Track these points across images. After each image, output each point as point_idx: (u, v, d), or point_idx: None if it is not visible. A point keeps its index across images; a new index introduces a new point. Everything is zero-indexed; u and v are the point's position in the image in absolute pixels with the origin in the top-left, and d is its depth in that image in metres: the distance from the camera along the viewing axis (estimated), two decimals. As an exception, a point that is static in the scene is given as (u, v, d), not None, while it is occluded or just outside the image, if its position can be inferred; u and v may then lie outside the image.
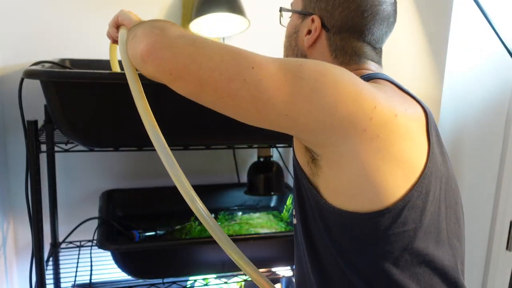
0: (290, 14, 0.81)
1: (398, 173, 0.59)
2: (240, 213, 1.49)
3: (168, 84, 0.62)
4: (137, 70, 0.70)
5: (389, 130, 0.58)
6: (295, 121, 0.58)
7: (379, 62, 0.76)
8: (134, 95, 0.69)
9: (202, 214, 0.63)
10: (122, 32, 0.77)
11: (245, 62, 0.58)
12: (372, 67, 0.73)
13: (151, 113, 0.68)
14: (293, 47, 0.77)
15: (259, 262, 1.24)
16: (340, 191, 0.60)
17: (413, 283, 0.60)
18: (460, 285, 0.66)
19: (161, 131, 1.00)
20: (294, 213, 0.76)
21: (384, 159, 0.57)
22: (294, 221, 0.77)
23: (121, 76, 0.90)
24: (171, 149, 1.06)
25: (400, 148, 0.59)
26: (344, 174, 0.59)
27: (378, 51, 0.75)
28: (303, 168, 0.65)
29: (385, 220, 0.58)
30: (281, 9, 0.81)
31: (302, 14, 0.75)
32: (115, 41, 0.90)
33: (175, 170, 0.64)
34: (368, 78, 0.68)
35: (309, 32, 0.74)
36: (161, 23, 0.67)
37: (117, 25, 0.84)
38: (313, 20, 0.73)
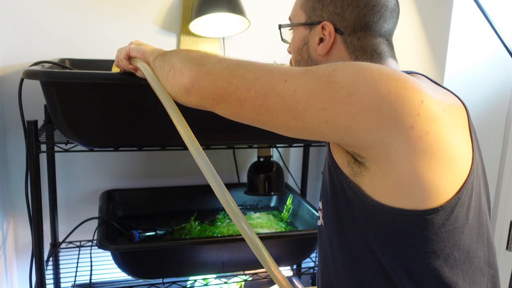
0: (290, 28, 0.79)
1: (449, 171, 0.57)
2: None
3: (212, 109, 0.65)
4: (175, 100, 0.72)
5: (438, 126, 0.55)
6: (336, 126, 0.57)
7: (395, 59, 0.75)
8: (172, 117, 0.71)
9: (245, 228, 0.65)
10: (143, 65, 0.79)
11: (278, 76, 0.59)
12: (393, 65, 0.73)
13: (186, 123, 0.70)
14: (306, 59, 0.75)
15: (259, 262, 1.24)
16: (390, 191, 0.58)
17: (460, 280, 0.60)
18: (497, 280, 0.66)
19: (161, 131, 1.00)
20: (319, 214, 0.75)
21: (435, 156, 0.55)
22: (319, 222, 0.75)
23: (121, 77, 0.90)
24: (171, 149, 1.06)
25: (449, 144, 0.57)
26: (394, 174, 0.57)
27: (391, 45, 0.74)
28: (343, 169, 0.63)
29: (439, 218, 0.57)
30: (280, 26, 0.79)
31: (309, 24, 0.74)
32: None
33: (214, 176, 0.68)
34: None
35: (321, 40, 0.72)
36: (195, 52, 0.69)
37: (128, 57, 0.85)
38: (323, 27, 0.71)
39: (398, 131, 0.54)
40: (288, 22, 0.80)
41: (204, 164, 0.67)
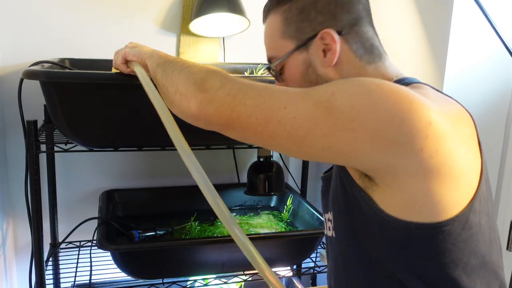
0: (281, 64, 0.73)
1: (462, 185, 0.57)
2: (240, 213, 1.49)
3: (220, 132, 0.66)
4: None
5: (448, 143, 0.54)
6: (339, 151, 0.56)
7: (385, 52, 0.74)
8: (160, 115, 0.71)
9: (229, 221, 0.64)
10: (140, 71, 0.79)
11: (278, 103, 0.59)
12: (388, 62, 0.72)
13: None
14: (315, 80, 0.70)
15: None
16: (402, 206, 0.58)
17: (478, 286, 0.60)
18: (505, 281, 0.66)
19: (161, 131, 0.99)
20: (329, 225, 0.74)
21: (447, 174, 0.55)
22: (329, 233, 0.74)
23: (121, 77, 0.90)
24: (171, 149, 1.06)
25: (461, 158, 0.56)
26: (404, 192, 0.56)
27: (377, 33, 0.74)
28: (356, 181, 0.63)
29: (455, 228, 0.57)
30: (270, 68, 0.74)
31: (303, 45, 0.70)
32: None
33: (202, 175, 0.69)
34: (405, 84, 0.64)
35: (323, 51, 0.69)
36: (196, 69, 0.68)
37: (125, 61, 0.85)
38: (323, 37, 0.68)
39: (406, 153, 0.53)
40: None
41: (195, 169, 0.68)
